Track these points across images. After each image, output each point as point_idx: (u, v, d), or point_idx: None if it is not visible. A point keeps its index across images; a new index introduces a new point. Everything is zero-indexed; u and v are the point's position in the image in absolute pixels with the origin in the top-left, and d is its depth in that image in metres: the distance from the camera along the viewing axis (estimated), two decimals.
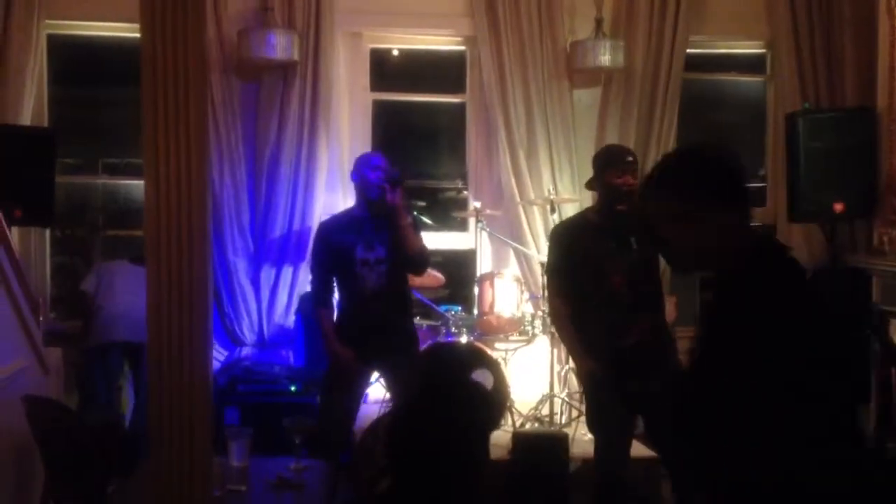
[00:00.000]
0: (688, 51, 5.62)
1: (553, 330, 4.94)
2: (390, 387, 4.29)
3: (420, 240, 4.00)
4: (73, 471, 3.09)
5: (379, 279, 3.96)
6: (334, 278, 4.06)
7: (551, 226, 5.31)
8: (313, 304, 4.16)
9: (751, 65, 6.14)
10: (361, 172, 3.99)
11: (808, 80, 5.55)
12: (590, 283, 3.58)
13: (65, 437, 3.16)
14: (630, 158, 3.65)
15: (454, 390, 1.80)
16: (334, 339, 3.98)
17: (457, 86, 5.87)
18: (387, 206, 3.88)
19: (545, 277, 4.09)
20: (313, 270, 4.14)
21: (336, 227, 4.06)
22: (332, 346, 3.98)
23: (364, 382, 4.21)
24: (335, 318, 4.10)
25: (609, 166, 3.61)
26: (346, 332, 3.99)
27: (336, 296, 4.16)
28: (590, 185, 3.80)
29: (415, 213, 4.32)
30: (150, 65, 2.40)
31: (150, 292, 2.41)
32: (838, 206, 4.71)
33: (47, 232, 5.52)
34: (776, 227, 5.91)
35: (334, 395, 4.02)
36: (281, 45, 5.16)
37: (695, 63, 5.78)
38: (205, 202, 2.44)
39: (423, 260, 4.02)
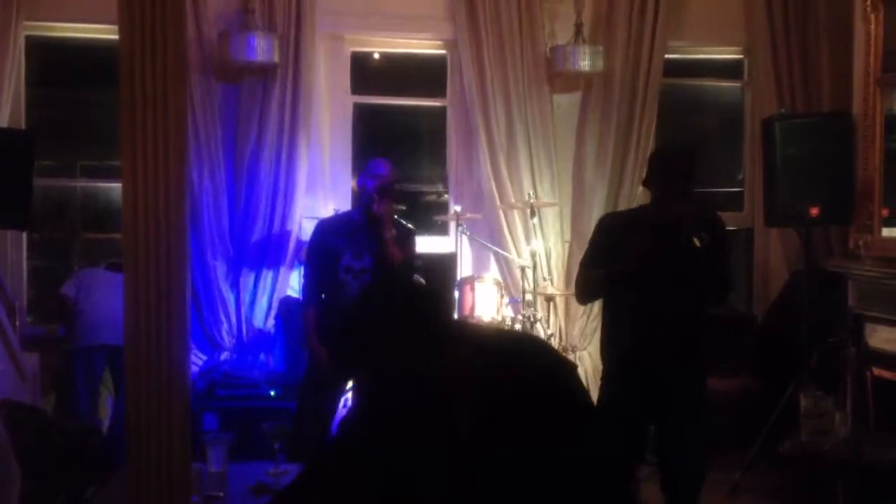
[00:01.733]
0: (666, 56, 5.66)
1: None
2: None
3: (405, 253, 3.98)
4: (50, 476, 3.07)
5: (361, 289, 3.97)
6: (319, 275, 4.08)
7: (531, 230, 5.34)
8: (303, 300, 4.18)
9: (728, 70, 6.19)
10: (363, 178, 4.04)
11: (784, 86, 5.59)
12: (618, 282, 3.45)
13: (42, 442, 3.13)
14: (680, 165, 3.44)
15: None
16: (315, 339, 4.00)
17: (438, 90, 5.87)
18: (373, 216, 3.90)
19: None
20: (307, 267, 4.16)
21: (331, 229, 4.08)
22: (313, 346, 4.00)
23: (342, 385, 4.21)
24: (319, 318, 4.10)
25: (658, 171, 3.47)
26: (326, 336, 3.99)
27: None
28: (646, 183, 3.61)
29: (403, 222, 4.25)
30: (128, 66, 2.39)
31: (127, 296, 2.39)
32: (814, 211, 4.75)
33: (24, 235, 5.48)
34: (753, 230, 5.97)
35: (312, 396, 4.03)
36: (261, 48, 5.15)
37: (673, 68, 5.82)
38: (183, 205, 2.43)
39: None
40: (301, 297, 4.28)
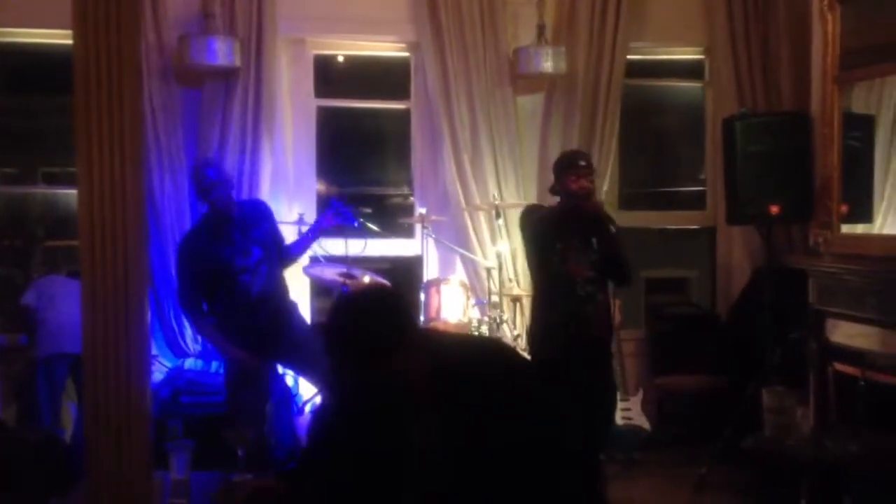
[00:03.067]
0: (629, 57, 5.70)
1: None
2: (299, 372, 4.49)
3: (264, 230, 4.16)
4: (9, 487, 3.03)
5: (262, 280, 4.03)
6: (206, 287, 4.05)
7: (496, 231, 5.35)
8: (197, 316, 4.12)
9: (690, 71, 6.25)
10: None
11: (745, 86, 5.66)
12: (550, 274, 3.87)
13: (1, 452, 3.09)
14: (584, 163, 3.89)
15: None
16: (229, 345, 4.03)
17: (401, 92, 5.87)
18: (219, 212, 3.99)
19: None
20: (187, 284, 4.06)
21: (204, 239, 4.03)
22: (231, 353, 4.04)
23: (267, 376, 4.27)
24: (221, 323, 4.10)
25: (566, 171, 3.86)
26: (240, 338, 4.02)
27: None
28: (553, 190, 4.00)
29: (247, 202, 4.54)
30: (83, 70, 2.37)
31: (85, 303, 2.37)
32: (774, 209, 4.81)
33: None
34: (716, 229, 6.03)
35: (241, 393, 4.04)
36: (222, 52, 5.11)
37: (636, 69, 5.87)
38: (141, 210, 2.41)
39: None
40: (190, 315, 4.21)
